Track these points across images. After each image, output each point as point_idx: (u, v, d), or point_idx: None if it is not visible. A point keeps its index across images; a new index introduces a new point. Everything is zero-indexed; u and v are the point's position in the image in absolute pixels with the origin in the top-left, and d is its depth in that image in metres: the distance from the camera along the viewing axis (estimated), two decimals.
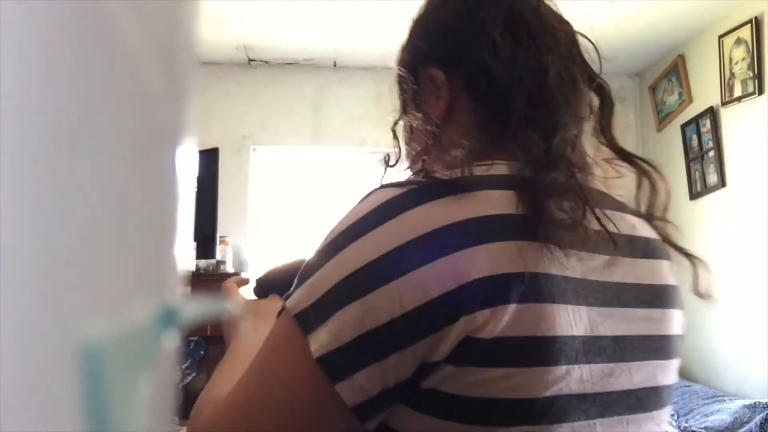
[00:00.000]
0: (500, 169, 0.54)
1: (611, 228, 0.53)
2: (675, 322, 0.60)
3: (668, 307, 0.60)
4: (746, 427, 2.37)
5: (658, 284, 0.59)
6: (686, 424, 2.56)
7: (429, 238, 0.47)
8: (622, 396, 0.54)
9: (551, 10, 0.64)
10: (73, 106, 0.19)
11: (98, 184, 0.21)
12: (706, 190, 3.23)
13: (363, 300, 0.47)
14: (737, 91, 3.00)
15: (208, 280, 3.09)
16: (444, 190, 0.50)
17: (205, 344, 2.93)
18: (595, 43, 0.66)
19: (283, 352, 0.50)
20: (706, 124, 3.21)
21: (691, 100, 3.36)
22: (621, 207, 0.61)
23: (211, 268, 3.18)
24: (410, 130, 0.66)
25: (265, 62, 3.70)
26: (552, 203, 0.51)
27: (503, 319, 0.46)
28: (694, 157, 3.32)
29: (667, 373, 0.59)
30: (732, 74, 3.04)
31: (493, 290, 0.47)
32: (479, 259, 0.47)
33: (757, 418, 2.36)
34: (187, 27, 0.29)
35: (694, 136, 3.31)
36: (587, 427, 0.51)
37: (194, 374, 2.81)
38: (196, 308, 0.28)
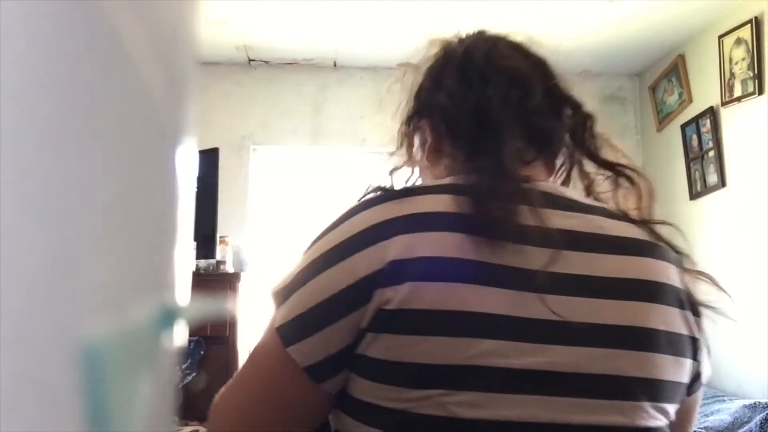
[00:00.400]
0: (447, 180, 0.67)
1: (551, 225, 0.61)
2: (657, 316, 0.63)
3: (645, 300, 0.63)
4: (746, 427, 2.37)
5: (629, 278, 0.63)
6: None
7: (364, 232, 0.60)
8: (567, 378, 0.58)
9: (508, 51, 0.77)
10: (73, 106, 0.19)
11: (98, 184, 0.21)
12: (706, 190, 3.22)
13: (309, 283, 0.60)
14: (737, 91, 3.00)
15: (208, 280, 3.09)
16: (388, 197, 0.63)
17: (205, 344, 2.93)
18: (565, 60, 0.78)
19: (266, 328, 0.64)
20: (706, 124, 3.21)
21: (691, 100, 3.36)
22: (589, 209, 0.67)
23: (211, 268, 3.17)
24: (413, 170, 0.81)
25: (265, 62, 3.70)
26: (486, 203, 0.61)
27: (405, 294, 0.57)
28: (694, 157, 3.32)
29: (639, 365, 0.61)
30: (732, 74, 3.04)
31: (400, 270, 0.57)
32: (396, 245, 0.58)
33: (757, 418, 2.36)
34: (187, 27, 0.29)
35: (694, 136, 3.31)
36: (520, 401, 0.57)
37: (194, 374, 2.81)
38: (196, 308, 0.28)
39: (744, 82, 2.96)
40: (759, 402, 2.48)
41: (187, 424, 2.66)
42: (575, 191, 0.72)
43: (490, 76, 0.72)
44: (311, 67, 3.73)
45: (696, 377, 0.67)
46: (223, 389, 0.66)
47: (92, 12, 0.20)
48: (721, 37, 3.08)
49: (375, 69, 3.72)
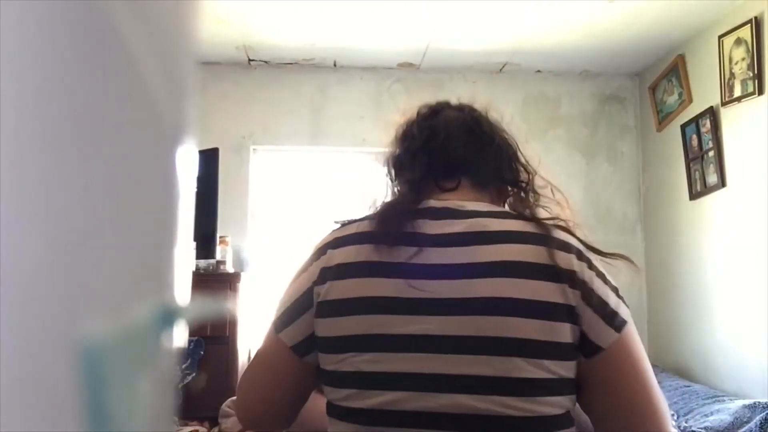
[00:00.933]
0: (371, 214, 0.92)
1: (426, 231, 0.84)
2: (521, 288, 0.79)
3: (510, 276, 0.79)
4: (746, 427, 2.37)
5: (499, 261, 0.80)
6: (686, 424, 2.56)
7: (316, 252, 0.89)
8: (440, 340, 0.79)
9: (448, 112, 1.00)
10: (73, 106, 0.19)
11: (98, 184, 0.21)
12: (706, 190, 3.22)
13: (287, 291, 0.90)
14: (737, 91, 3.00)
15: (208, 280, 3.09)
16: (337, 227, 0.91)
17: (205, 344, 2.93)
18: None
19: (268, 329, 0.93)
20: (706, 124, 3.20)
21: (691, 100, 3.36)
22: (481, 215, 0.86)
23: (211, 268, 3.17)
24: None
25: (265, 62, 3.70)
26: (379, 221, 0.87)
27: (326, 289, 0.84)
28: (694, 157, 3.32)
29: (503, 328, 0.77)
30: (732, 74, 3.04)
31: (325, 274, 0.85)
32: (326, 258, 0.86)
33: (757, 418, 2.36)
34: (187, 27, 0.29)
35: (694, 136, 3.31)
36: (406, 358, 0.79)
37: (194, 374, 2.81)
38: (196, 308, 0.28)
39: (744, 82, 2.96)
40: (759, 402, 2.47)
41: (187, 424, 2.66)
42: (479, 204, 0.90)
43: (416, 134, 0.97)
44: (311, 67, 3.73)
45: (584, 341, 0.80)
46: (243, 374, 0.97)
47: (92, 12, 0.20)
48: (721, 37, 3.08)
49: (375, 69, 3.72)
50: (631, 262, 0.89)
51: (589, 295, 0.80)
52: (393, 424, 0.79)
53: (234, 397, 2.31)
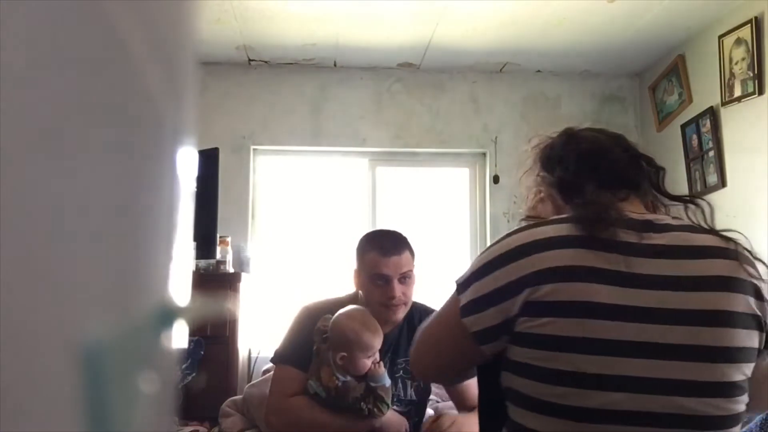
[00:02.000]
0: (563, 216, 0.98)
1: (643, 242, 0.91)
2: (733, 300, 0.89)
3: (723, 290, 0.89)
4: (746, 428, 2.36)
5: (710, 275, 0.90)
6: None
7: (519, 248, 0.92)
8: (658, 347, 0.86)
9: (586, 134, 1.11)
10: (73, 106, 0.19)
11: (98, 184, 0.21)
12: (706, 190, 3.22)
13: (482, 280, 0.93)
14: (737, 91, 3.00)
15: (208, 280, 3.08)
16: (530, 226, 0.95)
17: (205, 344, 2.93)
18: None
19: (448, 304, 1.00)
20: (706, 124, 3.20)
21: (691, 100, 3.36)
22: (677, 228, 0.95)
23: (211, 268, 3.17)
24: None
25: (265, 62, 3.69)
26: (593, 227, 0.91)
27: (545, 290, 0.88)
28: (694, 157, 3.32)
29: (718, 337, 0.87)
30: (732, 74, 3.03)
31: (542, 275, 0.88)
32: (535, 261, 0.90)
33: (758, 418, 2.36)
34: (187, 27, 0.29)
35: (694, 136, 3.31)
36: (617, 361, 0.86)
37: (194, 374, 2.81)
38: (196, 308, 0.28)
39: (744, 82, 2.96)
40: None
41: (187, 424, 2.66)
42: (667, 216, 0.99)
43: (564, 155, 1.06)
44: (311, 67, 3.73)
45: (765, 343, 0.92)
46: (421, 336, 1.08)
47: (92, 12, 0.20)
48: (721, 37, 3.08)
49: (375, 69, 3.71)
50: None
51: (765, 306, 0.92)
52: (613, 422, 0.86)
53: (234, 397, 2.31)
